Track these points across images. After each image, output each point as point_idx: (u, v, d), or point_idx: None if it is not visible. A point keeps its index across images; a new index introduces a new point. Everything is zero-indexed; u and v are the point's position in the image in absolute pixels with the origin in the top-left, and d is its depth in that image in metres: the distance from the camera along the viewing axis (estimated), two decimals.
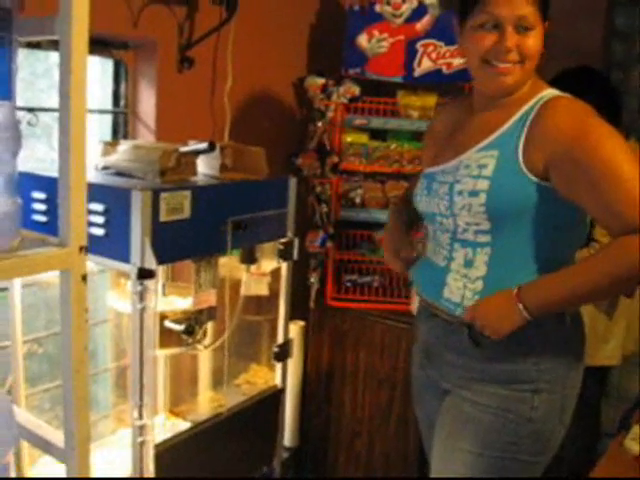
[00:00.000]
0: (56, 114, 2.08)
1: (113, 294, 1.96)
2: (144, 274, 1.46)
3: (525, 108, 1.41)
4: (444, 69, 2.51)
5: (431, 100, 2.56)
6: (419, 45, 2.52)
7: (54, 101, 2.07)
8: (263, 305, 2.19)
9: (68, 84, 1.01)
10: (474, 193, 1.39)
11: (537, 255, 1.42)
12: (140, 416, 1.58)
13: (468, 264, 1.45)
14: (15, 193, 1.04)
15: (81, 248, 1.06)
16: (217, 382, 2.28)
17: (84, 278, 1.07)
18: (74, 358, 1.09)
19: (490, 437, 1.45)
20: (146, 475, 1.62)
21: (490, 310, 1.40)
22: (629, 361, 2.61)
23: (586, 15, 2.88)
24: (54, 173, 1.62)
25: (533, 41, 1.40)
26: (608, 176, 1.30)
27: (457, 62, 2.50)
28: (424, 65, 2.53)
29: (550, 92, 1.43)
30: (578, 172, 1.33)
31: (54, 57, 2.12)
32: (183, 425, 2.04)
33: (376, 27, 2.54)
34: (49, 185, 1.63)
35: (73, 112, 1.02)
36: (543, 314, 1.38)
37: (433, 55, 2.51)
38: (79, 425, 1.11)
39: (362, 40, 2.56)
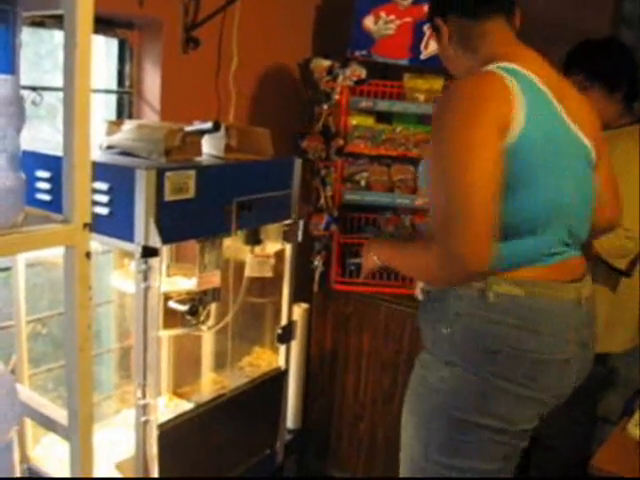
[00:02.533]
0: (60, 95, 2.08)
1: (117, 274, 1.96)
2: (148, 252, 1.45)
3: None
4: None
5: (437, 83, 2.54)
6: (426, 27, 2.49)
7: (58, 82, 2.06)
8: (266, 287, 2.18)
9: (73, 60, 1.00)
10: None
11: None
12: (143, 395, 1.58)
13: None
14: (19, 169, 1.03)
15: (85, 225, 1.06)
16: (220, 364, 2.28)
17: (88, 255, 1.07)
18: (78, 336, 1.09)
19: (413, 404, 1.53)
20: (149, 454, 1.62)
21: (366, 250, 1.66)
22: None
23: (594, 1, 2.85)
24: (56, 152, 1.64)
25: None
26: (436, 167, 1.35)
27: None
28: (431, 48, 2.50)
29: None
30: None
31: (58, 37, 2.10)
32: (186, 406, 2.05)
33: (383, 9, 2.52)
34: (53, 164, 1.62)
35: (78, 88, 1.01)
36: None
37: None
38: (83, 403, 1.11)
39: (369, 22, 2.54)
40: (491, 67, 1.39)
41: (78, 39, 0.99)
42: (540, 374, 1.43)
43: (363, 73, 2.55)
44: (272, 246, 2.04)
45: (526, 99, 1.34)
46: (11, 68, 0.96)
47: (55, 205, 1.62)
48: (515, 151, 1.32)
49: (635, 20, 2.89)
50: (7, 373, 1.11)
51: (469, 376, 1.42)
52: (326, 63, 2.59)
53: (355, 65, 2.55)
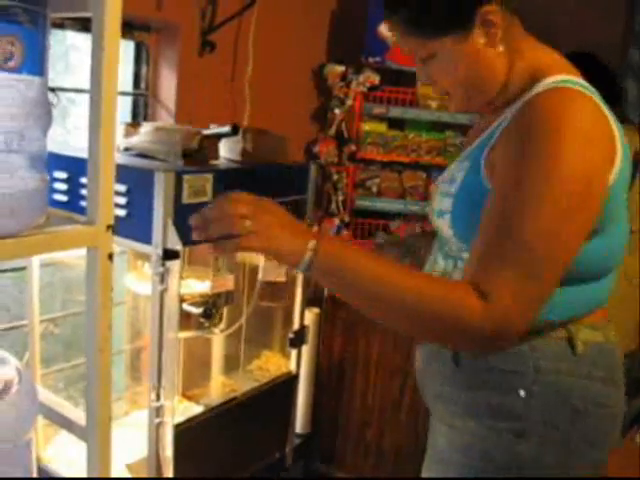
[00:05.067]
0: (70, 96, 2.09)
1: (130, 276, 1.96)
2: (169, 255, 1.46)
3: (510, 109, 1.15)
4: None
5: None
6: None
7: (69, 83, 2.08)
8: (276, 292, 2.19)
9: (100, 63, 1.01)
10: (440, 212, 1.21)
11: None
12: (158, 397, 1.59)
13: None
14: (44, 170, 1.03)
15: (108, 227, 1.06)
16: (229, 367, 2.28)
17: (110, 257, 1.07)
18: (98, 336, 1.09)
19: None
20: (162, 455, 1.63)
21: (282, 225, 1.03)
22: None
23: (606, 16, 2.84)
24: (74, 153, 1.65)
25: (437, 66, 1.17)
26: (515, 200, 1.03)
27: None
28: None
29: (547, 83, 1.13)
30: (502, 166, 1.09)
31: (70, 39, 2.12)
32: (196, 409, 2.05)
33: None
34: (71, 165, 1.64)
35: (104, 91, 1.02)
36: (321, 275, 1.03)
37: None
38: (101, 404, 1.11)
39: (383, 28, 2.54)
40: (567, 83, 1.11)
41: (106, 42, 1.00)
42: (613, 431, 1.22)
43: (377, 79, 2.57)
44: None
45: (615, 123, 1.11)
46: (40, 70, 0.97)
47: (72, 206, 1.64)
48: (612, 193, 1.09)
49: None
50: (26, 371, 1.11)
51: (550, 446, 1.14)
52: (340, 69, 2.61)
53: (369, 71, 2.57)
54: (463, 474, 1.19)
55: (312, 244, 1.00)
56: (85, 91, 1.98)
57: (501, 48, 1.15)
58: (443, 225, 1.20)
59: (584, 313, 1.17)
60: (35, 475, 1.16)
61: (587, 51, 2.35)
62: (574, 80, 1.12)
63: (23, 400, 1.05)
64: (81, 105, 2.15)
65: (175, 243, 1.46)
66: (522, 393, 1.14)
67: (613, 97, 2.30)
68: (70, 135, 2.22)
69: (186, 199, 1.52)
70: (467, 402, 1.19)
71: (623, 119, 2.28)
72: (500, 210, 1.05)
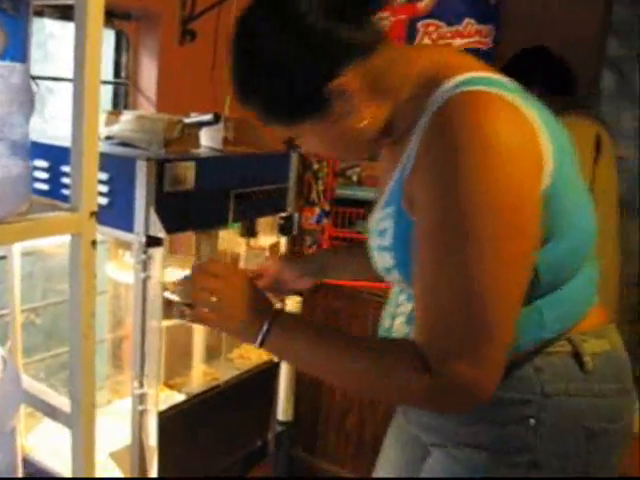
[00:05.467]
0: (49, 85, 2.08)
1: (112, 265, 1.96)
2: (152, 242, 1.46)
3: (417, 130, 1.04)
4: None
5: None
6: (420, 25, 2.52)
7: (48, 72, 2.07)
8: (258, 281, 2.19)
9: (83, 51, 1.01)
10: (387, 270, 1.13)
11: None
12: (141, 385, 1.59)
13: (409, 321, 1.18)
14: (27, 157, 1.04)
15: (92, 214, 1.07)
16: (210, 356, 2.29)
17: (94, 243, 1.08)
18: (82, 323, 1.10)
19: None
20: (146, 443, 1.63)
21: (243, 305, 1.10)
22: None
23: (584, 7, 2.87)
24: (55, 142, 1.65)
25: (307, 142, 1.16)
26: (447, 250, 0.94)
27: (458, 43, 2.51)
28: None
29: (447, 88, 1.01)
30: (422, 202, 0.99)
31: (50, 27, 2.11)
32: (178, 397, 2.06)
33: None
34: (51, 153, 1.63)
35: (87, 79, 1.02)
36: (274, 353, 1.16)
37: (434, 35, 2.51)
38: (86, 390, 1.12)
39: None
40: (469, 85, 0.98)
41: (89, 30, 1.00)
42: (626, 439, 1.14)
43: None
44: (266, 239, 2.05)
45: (540, 119, 1.00)
46: (23, 57, 0.97)
47: (53, 194, 1.64)
48: (549, 199, 0.98)
49: (624, 29, 2.91)
50: (10, 358, 1.12)
51: (562, 474, 1.07)
52: None
53: None
54: None
55: (265, 327, 1.06)
56: (64, 79, 1.98)
57: (369, 101, 1.07)
58: (395, 279, 1.14)
59: (578, 317, 1.09)
60: (20, 463, 1.17)
61: (542, 46, 2.45)
62: (478, 78, 1.02)
63: (7, 387, 1.06)
64: (59, 94, 2.15)
65: (158, 230, 1.47)
66: (532, 422, 1.05)
67: (566, 87, 2.40)
68: (48, 124, 2.21)
69: (168, 187, 1.52)
70: (470, 433, 1.11)
71: (575, 107, 2.39)
72: (429, 260, 0.96)
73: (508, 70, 2.51)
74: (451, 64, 1.05)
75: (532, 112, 0.99)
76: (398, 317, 1.20)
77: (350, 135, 1.10)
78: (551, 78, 2.41)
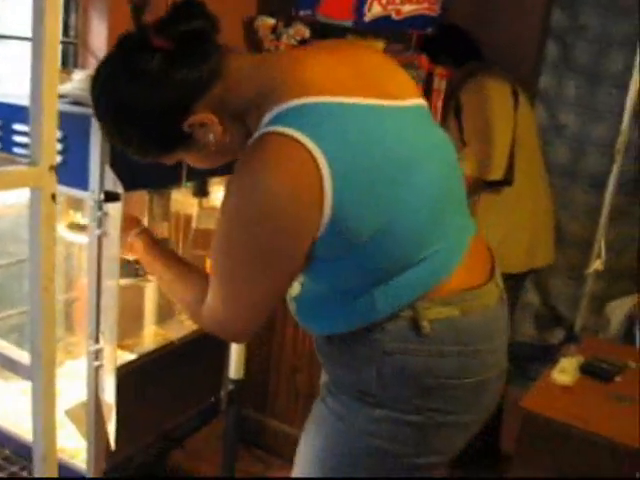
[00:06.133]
0: None
1: (62, 225, 1.96)
2: (110, 197, 1.47)
3: None
4: (393, 15, 2.55)
5: (379, 46, 2.60)
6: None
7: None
8: (210, 241, 2.21)
9: (42, 11, 1.02)
10: None
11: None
12: (96, 341, 1.61)
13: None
14: None
15: (51, 167, 1.08)
16: (161, 317, 2.31)
17: (54, 197, 1.09)
18: (43, 276, 1.11)
19: (327, 442, 1.32)
20: (103, 399, 1.66)
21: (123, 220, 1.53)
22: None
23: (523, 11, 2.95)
24: (5, 100, 1.64)
25: (189, 161, 1.37)
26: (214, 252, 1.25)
27: (407, 9, 2.54)
28: (374, 10, 2.54)
29: (264, 124, 1.16)
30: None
31: None
32: (129, 357, 2.08)
33: None
34: (2, 112, 1.62)
35: (47, 37, 1.03)
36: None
37: (384, 1, 2.53)
38: (46, 343, 1.14)
39: None
40: (276, 128, 1.11)
41: None
42: (481, 395, 1.29)
43: (307, 33, 2.60)
44: (219, 199, 2.07)
45: (333, 155, 1.10)
46: None
47: (5, 151, 1.63)
48: (332, 232, 1.14)
49: (561, 32, 2.99)
50: None
51: (406, 418, 1.24)
52: (271, 22, 2.62)
53: (299, 24, 2.59)
54: (334, 433, 1.31)
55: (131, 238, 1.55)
56: (16, 37, 1.96)
57: (226, 122, 1.23)
58: None
59: (413, 297, 1.21)
60: None
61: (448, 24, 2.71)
62: (290, 109, 1.14)
63: None
64: (5, 53, 2.11)
65: (115, 186, 1.48)
66: (373, 374, 1.23)
67: (471, 53, 2.68)
68: None
69: None
70: (339, 374, 1.31)
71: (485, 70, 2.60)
72: (213, 263, 1.26)
73: (428, 45, 2.71)
74: (284, 84, 1.17)
75: (326, 143, 1.10)
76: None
77: (219, 150, 1.27)
78: (457, 51, 2.71)
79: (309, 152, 1.09)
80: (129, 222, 1.58)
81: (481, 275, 1.30)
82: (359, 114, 1.16)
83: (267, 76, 1.20)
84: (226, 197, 1.18)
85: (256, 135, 1.15)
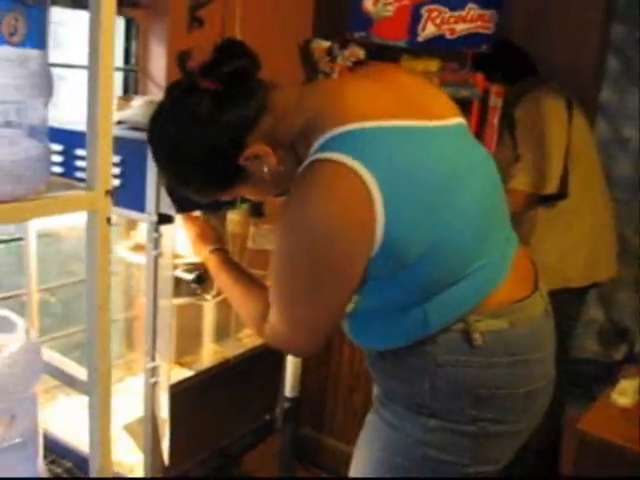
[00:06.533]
0: (60, 72, 2.14)
1: (123, 246, 2.03)
2: (163, 219, 1.53)
3: None
4: (447, 34, 2.56)
5: (433, 65, 2.61)
6: (424, 10, 2.56)
7: (58, 59, 2.12)
8: (267, 260, 2.25)
9: (97, 38, 1.07)
10: None
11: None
12: (153, 358, 1.66)
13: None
14: (46, 139, 1.10)
15: (107, 192, 1.13)
16: (220, 335, 2.36)
17: (109, 220, 1.14)
18: (98, 296, 1.16)
19: (384, 453, 1.33)
20: (158, 415, 1.70)
21: (196, 240, 1.65)
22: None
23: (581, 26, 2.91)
24: (69, 126, 1.71)
25: (247, 195, 1.43)
26: (276, 271, 1.24)
27: (460, 28, 2.54)
28: (428, 30, 2.57)
29: (314, 149, 1.19)
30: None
31: (59, 15, 2.16)
32: (188, 374, 2.12)
33: None
34: (66, 137, 1.69)
35: (102, 64, 1.08)
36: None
37: (437, 20, 2.55)
38: (102, 358, 1.19)
39: (368, 3, 2.60)
40: (324, 154, 1.14)
41: (102, 18, 1.06)
42: (531, 405, 1.32)
43: (361, 54, 2.62)
44: (274, 220, 2.10)
45: (383, 179, 1.12)
46: (41, 44, 1.03)
47: (67, 176, 1.70)
48: (384, 253, 1.16)
49: (627, 13, 2.94)
50: (30, 329, 1.18)
51: (460, 428, 1.26)
52: (326, 44, 2.66)
53: (354, 46, 2.62)
54: (387, 442, 1.32)
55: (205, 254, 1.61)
56: (75, 66, 2.04)
57: (277, 151, 1.27)
58: None
59: (462, 312, 1.23)
60: (40, 429, 1.24)
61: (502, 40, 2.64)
62: (337, 136, 1.16)
63: (29, 355, 1.13)
64: (70, 81, 2.20)
65: (168, 208, 1.53)
66: (427, 386, 1.25)
67: (526, 70, 2.62)
68: (59, 111, 2.27)
69: None
70: (391, 386, 1.33)
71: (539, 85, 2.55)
72: (274, 281, 1.26)
73: (482, 63, 2.67)
74: (328, 113, 1.20)
75: (376, 167, 1.12)
76: None
77: (276, 180, 1.31)
78: (512, 69, 2.65)
79: (359, 176, 1.11)
80: (206, 236, 1.66)
81: (526, 287, 1.32)
82: (403, 136, 1.19)
83: (311, 106, 1.24)
84: (280, 225, 1.21)
85: (305, 163, 1.18)
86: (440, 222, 1.18)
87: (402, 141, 1.18)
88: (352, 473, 1.42)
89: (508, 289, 1.27)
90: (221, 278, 1.55)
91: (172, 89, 1.30)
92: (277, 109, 1.26)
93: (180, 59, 1.27)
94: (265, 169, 1.27)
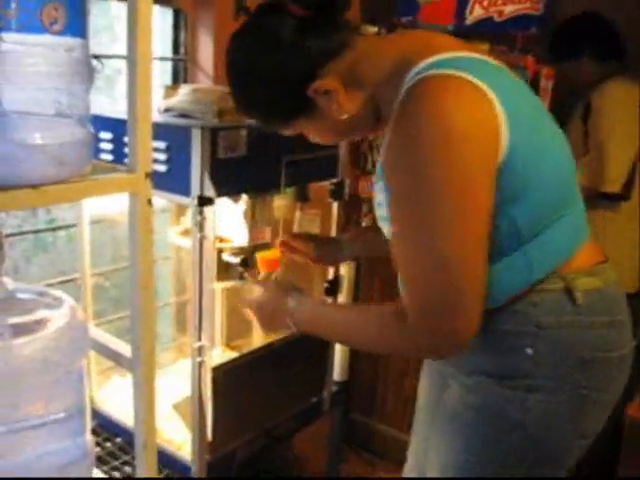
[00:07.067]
0: (116, 65, 2.20)
1: (173, 231, 2.08)
2: (204, 202, 1.56)
3: (391, 116, 1.16)
4: (495, 17, 2.53)
5: (482, 48, 2.58)
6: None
7: (115, 52, 2.18)
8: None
9: (135, 29, 1.10)
10: (385, 219, 1.22)
11: None
12: (199, 338, 1.71)
13: None
14: (88, 124, 1.14)
15: (147, 174, 1.16)
16: None
17: (149, 202, 1.18)
18: (142, 275, 1.20)
19: (476, 442, 1.25)
20: (204, 394, 1.75)
21: (266, 307, 1.41)
22: None
23: None
24: (117, 115, 1.77)
25: (309, 133, 1.35)
26: (413, 223, 1.09)
27: (509, 9, 2.51)
28: (476, 13, 2.54)
29: (416, 71, 1.14)
30: (390, 176, 1.13)
31: (116, 9, 2.22)
32: (233, 356, 2.17)
33: None
34: (115, 126, 1.75)
35: (140, 53, 1.11)
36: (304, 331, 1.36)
37: (485, 2, 2.52)
38: (146, 335, 1.23)
39: None
40: (437, 71, 1.09)
41: (140, 8, 1.09)
42: (621, 372, 1.26)
43: None
44: (320, 205, 2.13)
45: (500, 96, 1.09)
46: (81, 32, 1.07)
47: (116, 162, 1.76)
48: (507, 169, 1.09)
49: None
50: (75, 304, 1.23)
51: (560, 398, 1.19)
52: (373, 29, 2.65)
53: (402, 31, 2.62)
54: (478, 431, 1.24)
55: (290, 322, 1.34)
56: (109, 56, 2.10)
57: (349, 93, 1.23)
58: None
59: (564, 256, 1.19)
60: (88, 403, 1.29)
61: (589, 12, 2.47)
62: (446, 59, 1.13)
63: (75, 332, 1.17)
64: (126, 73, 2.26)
65: (210, 191, 1.57)
66: (528, 351, 1.18)
67: (614, 52, 2.44)
68: (116, 103, 2.34)
69: (221, 154, 1.62)
70: (477, 362, 1.24)
71: (623, 73, 2.39)
72: (402, 236, 1.12)
73: (559, 37, 2.52)
74: (426, 46, 1.17)
75: (491, 85, 1.08)
76: None
77: (342, 124, 1.26)
78: (601, 45, 2.48)
79: (479, 89, 1.07)
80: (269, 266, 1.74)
81: (600, 254, 1.28)
82: (499, 69, 1.20)
83: (403, 46, 1.21)
84: (399, 156, 1.10)
85: (408, 85, 1.12)
86: (544, 149, 1.16)
87: (499, 73, 1.18)
88: (433, 471, 1.34)
89: (589, 251, 1.24)
90: (315, 327, 1.34)
91: (260, 8, 1.27)
92: (361, 49, 1.22)
93: None
94: (334, 107, 1.23)
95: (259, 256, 1.83)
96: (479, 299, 1.08)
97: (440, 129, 1.04)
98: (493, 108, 1.07)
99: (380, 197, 1.22)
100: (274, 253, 1.81)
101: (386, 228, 1.24)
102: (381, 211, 1.23)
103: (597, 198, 2.36)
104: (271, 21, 1.22)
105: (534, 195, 1.13)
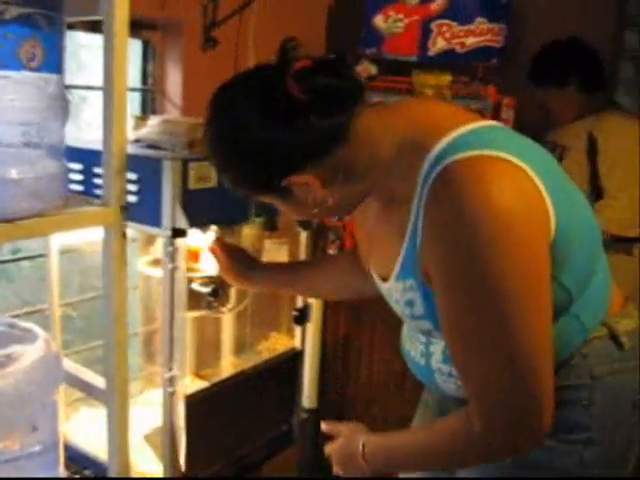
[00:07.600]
0: (82, 94, 2.21)
1: (142, 261, 2.08)
2: (177, 233, 1.58)
3: (417, 200, 1.06)
4: (457, 48, 2.61)
5: (445, 79, 2.65)
6: (433, 25, 2.61)
7: (81, 81, 2.20)
8: None
9: (111, 62, 1.13)
10: (420, 317, 1.17)
11: None
12: (170, 369, 1.71)
13: (446, 360, 1.21)
14: (62, 158, 1.16)
15: (121, 207, 1.19)
16: (239, 348, 2.40)
17: (124, 235, 1.20)
18: (115, 307, 1.21)
19: None
20: (176, 424, 1.75)
21: (344, 456, 1.33)
22: None
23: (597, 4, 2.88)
24: (88, 146, 1.77)
25: (280, 208, 1.21)
26: (479, 324, 1.01)
27: (470, 41, 2.59)
28: (438, 45, 2.62)
29: (439, 150, 1.04)
30: (441, 274, 1.04)
31: (82, 38, 2.23)
32: (206, 385, 2.16)
33: (392, 8, 2.64)
34: (85, 157, 1.75)
35: (116, 87, 1.14)
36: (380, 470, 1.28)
37: (447, 35, 2.60)
38: (119, 367, 1.24)
39: (379, 20, 2.66)
40: (461, 153, 1.01)
41: (116, 42, 1.12)
42: None
43: (374, 70, 2.67)
44: (287, 234, 2.15)
45: (534, 168, 1.02)
46: (58, 68, 1.09)
47: (87, 194, 1.76)
48: (558, 238, 1.03)
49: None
50: (49, 337, 1.23)
51: (612, 445, 1.17)
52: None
53: (366, 62, 2.67)
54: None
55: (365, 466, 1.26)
56: (96, 88, 2.11)
57: (335, 186, 1.10)
58: (424, 327, 1.20)
59: (606, 306, 1.17)
60: (61, 435, 1.29)
61: (575, 37, 2.46)
62: (465, 136, 1.05)
63: (50, 365, 1.18)
64: (92, 102, 2.27)
65: (183, 223, 1.58)
66: (585, 404, 1.14)
67: (599, 82, 2.44)
68: (82, 131, 2.34)
69: (192, 184, 1.64)
70: None
71: (609, 103, 2.42)
72: (464, 344, 1.04)
73: (538, 63, 2.50)
74: (435, 122, 1.09)
75: (524, 157, 1.02)
76: (432, 356, 1.25)
77: (321, 210, 1.15)
78: (588, 74, 2.42)
79: (517, 167, 1.00)
80: None
81: (622, 294, 1.26)
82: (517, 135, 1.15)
83: (407, 125, 1.12)
84: (454, 262, 1.01)
85: (430, 172, 1.03)
86: (576, 207, 1.12)
87: (518, 138, 1.13)
88: None
89: (616, 294, 1.22)
90: (393, 461, 1.25)
91: (260, 70, 1.14)
92: (358, 138, 1.09)
93: (284, 46, 1.13)
94: (309, 199, 1.11)
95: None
96: (552, 390, 1.03)
97: (494, 221, 0.96)
98: (536, 185, 1.01)
99: (410, 296, 1.14)
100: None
101: (426, 326, 1.17)
102: (414, 310, 1.16)
103: (612, 243, 2.24)
104: (265, 90, 1.08)
105: (576, 256, 1.09)
